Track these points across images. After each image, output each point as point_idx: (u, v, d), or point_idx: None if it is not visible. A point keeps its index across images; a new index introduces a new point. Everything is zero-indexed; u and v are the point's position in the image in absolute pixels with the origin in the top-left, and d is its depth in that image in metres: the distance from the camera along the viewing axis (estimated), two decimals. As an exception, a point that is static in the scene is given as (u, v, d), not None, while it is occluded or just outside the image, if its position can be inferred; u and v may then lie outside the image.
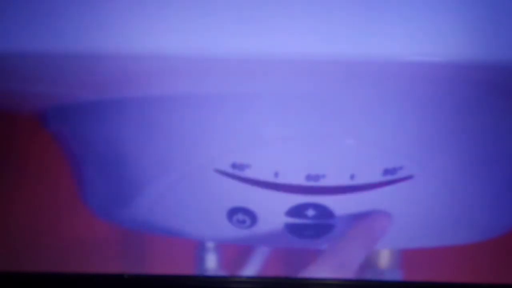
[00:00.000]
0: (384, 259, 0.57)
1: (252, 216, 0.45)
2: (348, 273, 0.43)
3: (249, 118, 0.42)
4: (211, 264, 0.59)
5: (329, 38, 0.35)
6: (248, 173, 0.44)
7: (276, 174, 0.43)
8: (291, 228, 0.46)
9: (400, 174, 0.43)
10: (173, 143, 0.44)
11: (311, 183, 0.43)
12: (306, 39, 0.35)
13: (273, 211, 0.45)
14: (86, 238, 0.65)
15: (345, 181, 0.43)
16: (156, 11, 0.36)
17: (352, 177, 0.43)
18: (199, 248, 0.59)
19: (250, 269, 0.61)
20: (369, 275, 0.57)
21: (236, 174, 0.44)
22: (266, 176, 0.44)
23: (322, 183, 0.43)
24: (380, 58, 0.36)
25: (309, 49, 0.36)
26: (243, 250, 0.61)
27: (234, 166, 0.44)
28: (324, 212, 0.45)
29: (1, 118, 0.63)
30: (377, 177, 0.43)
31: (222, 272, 0.59)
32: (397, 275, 0.57)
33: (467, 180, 0.45)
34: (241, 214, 0.45)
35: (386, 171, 0.43)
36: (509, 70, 0.37)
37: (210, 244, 0.59)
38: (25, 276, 0.52)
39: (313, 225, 0.45)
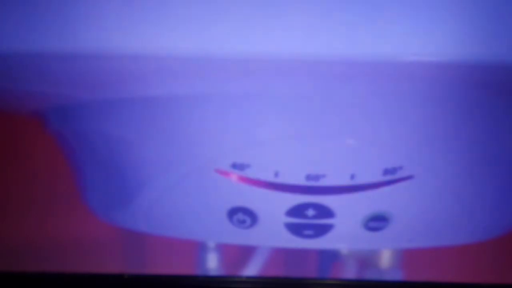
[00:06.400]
0: (385, 259, 0.57)
1: (252, 216, 0.45)
2: None
3: (249, 118, 0.42)
4: (212, 264, 0.59)
5: (328, 38, 0.35)
6: (248, 173, 0.44)
7: (276, 174, 0.43)
8: (291, 228, 0.46)
9: (400, 174, 0.43)
10: (173, 143, 0.44)
11: (311, 183, 0.43)
12: (306, 39, 0.35)
13: (273, 211, 0.45)
14: (86, 238, 0.65)
15: (345, 181, 0.43)
16: (155, 11, 0.36)
17: (352, 177, 0.43)
18: (199, 248, 0.59)
19: (250, 269, 0.61)
20: (369, 275, 0.57)
21: (236, 174, 0.44)
22: (266, 176, 0.44)
23: (322, 183, 0.43)
24: (379, 58, 0.36)
25: (309, 49, 0.36)
26: (243, 250, 0.61)
27: (234, 166, 0.44)
28: (324, 212, 0.45)
29: (1, 118, 0.63)
30: (377, 177, 0.43)
31: (222, 272, 0.59)
32: (398, 275, 0.57)
33: (467, 180, 0.45)
34: (241, 214, 0.45)
35: (386, 171, 0.43)
36: (509, 70, 0.37)
37: (210, 244, 0.59)
38: (25, 276, 0.52)
39: (313, 225, 0.45)
